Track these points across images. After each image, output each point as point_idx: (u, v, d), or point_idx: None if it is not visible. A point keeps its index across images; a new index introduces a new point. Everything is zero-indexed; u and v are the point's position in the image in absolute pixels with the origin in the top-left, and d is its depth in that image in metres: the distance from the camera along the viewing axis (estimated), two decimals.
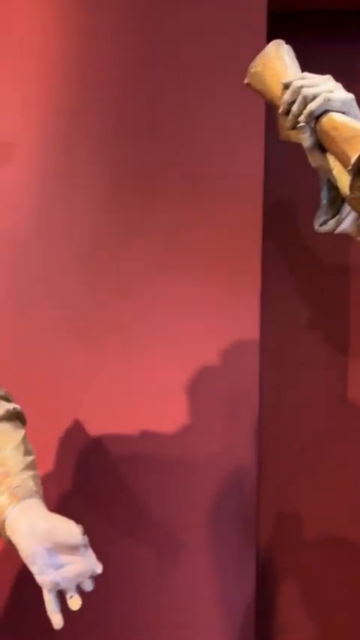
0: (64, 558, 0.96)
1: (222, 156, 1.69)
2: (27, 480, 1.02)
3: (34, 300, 1.67)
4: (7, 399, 1.13)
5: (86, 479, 1.65)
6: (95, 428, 1.66)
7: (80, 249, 1.69)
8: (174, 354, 1.68)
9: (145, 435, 1.66)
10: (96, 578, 1.01)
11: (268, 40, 1.20)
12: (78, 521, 1.02)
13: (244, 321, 1.68)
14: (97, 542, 1.10)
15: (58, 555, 0.96)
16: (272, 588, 1.85)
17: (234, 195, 1.68)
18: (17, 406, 1.12)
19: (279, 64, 1.13)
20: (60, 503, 1.62)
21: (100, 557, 1.04)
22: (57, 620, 0.96)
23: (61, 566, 0.96)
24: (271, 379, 1.85)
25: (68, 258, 1.69)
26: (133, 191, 1.69)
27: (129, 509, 1.64)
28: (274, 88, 1.12)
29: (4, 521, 0.99)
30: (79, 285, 1.68)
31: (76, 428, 1.65)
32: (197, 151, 1.70)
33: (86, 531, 0.99)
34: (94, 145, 1.70)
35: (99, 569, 0.97)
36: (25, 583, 1.57)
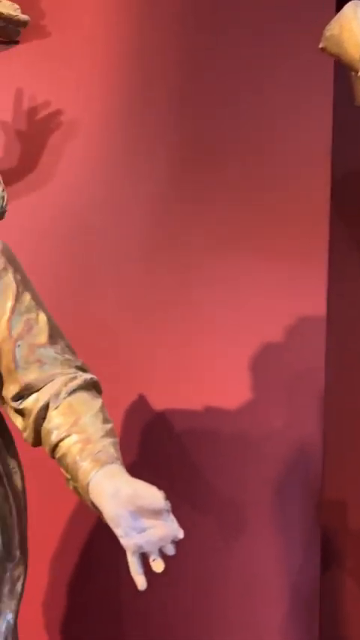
0: (147, 522, 0.97)
1: (289, 128, 1.67)
2: (108, 447, 1.03)
3: (99, 278, 1.68)
4: (84, 370, 1.15)
5: (150, 452, 1.66)
6: (159, 402, 1.67)
7: (145, 225, 1.69)
8: (239, 330, 1.67)
9: (210, 410, 1.66)
10: None
11: (337, 4, 1.17)
12: None
13: (310, 296, 1.66)
14: None
15: (142, 519, 0.97)
16: (336, 568, 1.83)
17: (301, 167, 1.66)
18: (94, 376, 1.14)
19: (356, 26, 1.10)
20: None
21: None
22: (141, 582, 0.97)
23: (143, 529, 0.98)
24: (338, 355, 1.82)
25: (133, 235, 1.69)
26: (197, 167, 1.69)
27: (192, 484, 1.65)
28: (352, 51, 1.10)
29: (87, 484, 1.01)
30: (144, 261, 1.69)
31: (141, 402, 1.67)
32: (263, 124, 1.68)
33: None
34: (159, 120, 1.70)
35: (181, 534, 0.98)
36: (95, 545, 1.61)
